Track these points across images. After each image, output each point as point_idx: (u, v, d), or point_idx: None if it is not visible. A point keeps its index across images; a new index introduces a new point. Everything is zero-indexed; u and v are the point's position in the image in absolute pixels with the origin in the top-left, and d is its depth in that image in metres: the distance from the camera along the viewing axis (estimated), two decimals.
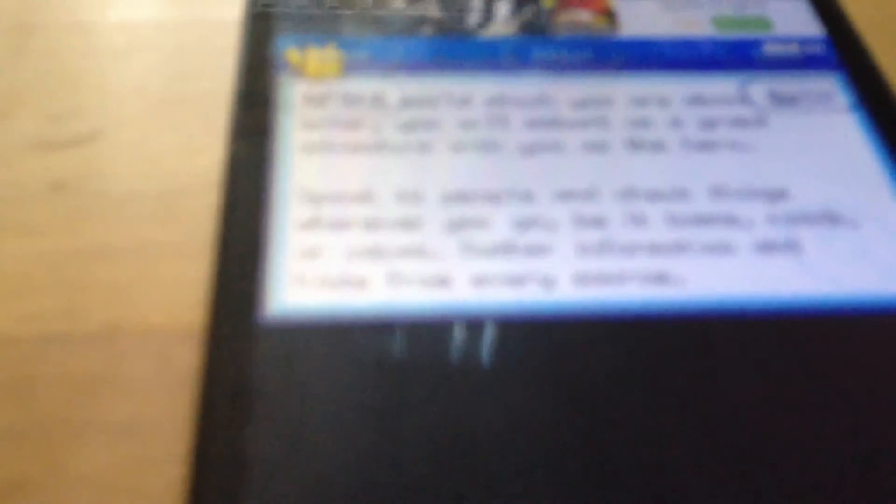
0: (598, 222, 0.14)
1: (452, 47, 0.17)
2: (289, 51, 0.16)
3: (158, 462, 0.12)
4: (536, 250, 0.14)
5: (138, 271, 0.14)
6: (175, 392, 0.13)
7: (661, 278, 0.14)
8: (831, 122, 0.16)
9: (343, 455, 0.11)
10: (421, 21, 0.17)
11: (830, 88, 0.16)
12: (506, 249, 0.14)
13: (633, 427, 0.12)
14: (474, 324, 0.13)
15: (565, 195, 0.15)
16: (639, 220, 0.14)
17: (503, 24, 0.17)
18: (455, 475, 0.11)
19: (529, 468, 0.11)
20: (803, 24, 0.17)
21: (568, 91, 0.16)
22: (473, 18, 0.17)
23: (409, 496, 0.11)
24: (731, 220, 0.14)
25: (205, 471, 0.11)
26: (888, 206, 0.15)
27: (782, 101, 0.16)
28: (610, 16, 0.17)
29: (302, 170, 0.15)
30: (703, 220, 0.14)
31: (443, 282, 0.13)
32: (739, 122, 0.16)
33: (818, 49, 0.17)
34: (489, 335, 0.13)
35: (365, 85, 0.16)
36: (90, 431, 0.13)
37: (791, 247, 0.14)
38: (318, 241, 0.14)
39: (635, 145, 0.15)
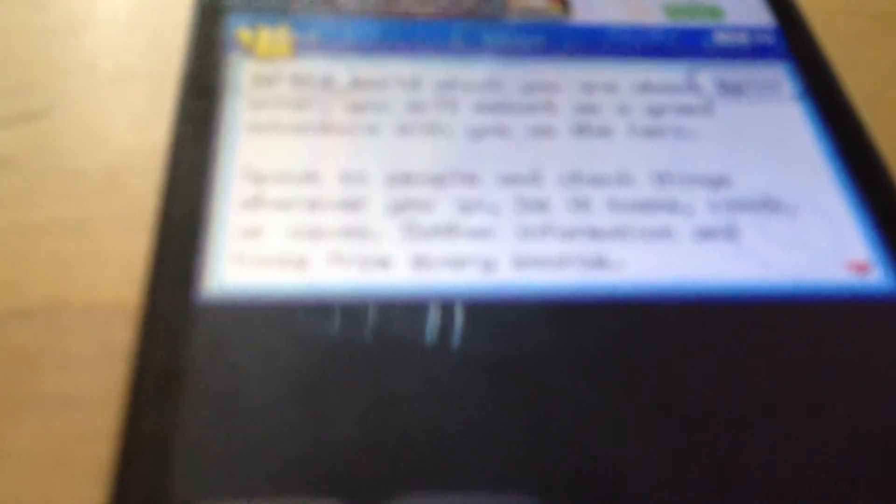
0: (540, 206, 0.14)
1: (404, 30, 0.17)
2: (240, 30, 0.16)
3: (93, 437, 0.12)
4: (478, 233, 0.14)
5: (82, 247, 0.14)
6: (112, 368, 0.13)
7: (600, 262, 0.14)
8: (777, 111, 0.16)
9: (275, 435, 0.11)
10: (375, 3, 0.17)
11: (778, 77, 0.17)
12: (448, 232, 0.14)
13: (570, 409, 0.12)
14: (413, 305, 0.13)
15: (509, 179, 0.15)
16: (581, 205, 0.14)
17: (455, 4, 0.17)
18: (388, 456, 0.11)
19: (465, 451, 0.12)
20: (754, 14, 0.18)
21: (517, 76, 0.16)
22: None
23: (341, 477, 0.11)
24: (672, 207, 0.14)
25: (130, 448, 0.11)
26: (827, 193, 0.15)
27: (730, 89, 0.16)
28: (563, 2, 0.18)
29: (247, 149, 0.15)
30: (644, 206, 0.14)
31: (383, 263, 0.13)
32: (686, 110, 0.16)
33: (768, 38, 0.17)
34: (427, 317, 0.13)
35: (315, 66, 0.16)
36: (26, 406, 0.13)
37: (729, 233, 0.14)
38: (259, 220, 0.14)
39: (582, 131, 0.15)
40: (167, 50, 0.17)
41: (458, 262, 0.14)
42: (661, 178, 0.15)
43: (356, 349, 0.12)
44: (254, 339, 0.12)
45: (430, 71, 0.16)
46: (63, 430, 0.12)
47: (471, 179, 0.15)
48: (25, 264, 0.14)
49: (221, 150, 0.15)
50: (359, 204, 0.14)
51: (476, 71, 0.16)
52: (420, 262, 0.13)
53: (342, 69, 0.16)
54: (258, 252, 0.13)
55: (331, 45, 0.16)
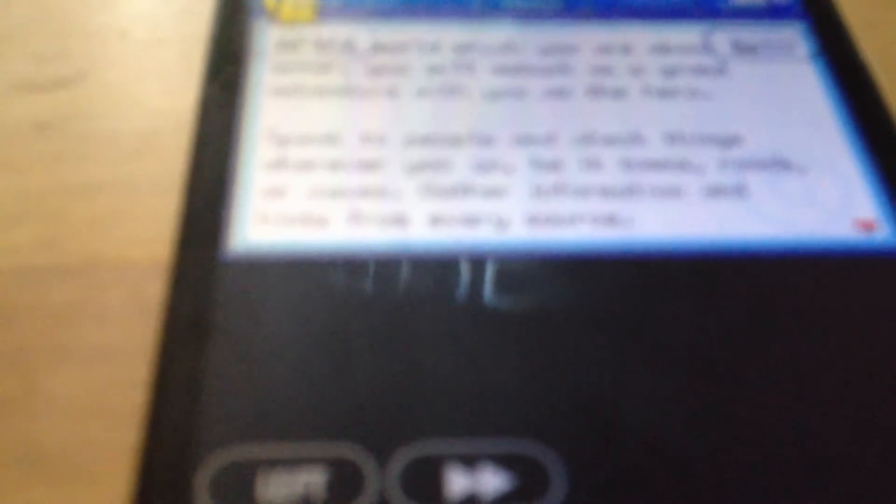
0: (553, 166, 0.15)
1: None
2: None
3: (127, 386, 0.13)
4: (493, 192, 0.14)
5: (115, 207, 0.15)
6: (145, 322, 0.14)
7: (611, 220, 0.14)
8: (791, 71, 0.16)
9: (295, 384, 0.12)
10: None
11: (792, 38, 0.17)
12: (463, 191, 0.14)
13: (581, 362, 0.13)
14: (429, 262, 0.14)
15: (524, 140, 0.15)
16: (594, 165, 0.15)
17: None
18: (404, 405, 0.12)
19: (479, 401, 0.12)
20: None
21: (535, 39, 0.17)
22: None
23: (359, 423, 0.12)
24: (683, 165, 0.15)
25: (161, 395, 0.12)
26: (837, 153, 0.15)
27: (744, 49, 0.17)
28: None
29: (271, 112, 0.15)
30: (655, 165, 0.15)
31: (400, 221, 0.14)
32: (700, 71, 0.16)
33: None
34: (443, 273, 0.13)
35: (337, 30, 0.17)
36: (64, 357, 0.13)
37: (739, 191, 0.15)
38: (282, 181, 0.14)
39: (596, 92, 0.16)
40: (198, 16, 0.18)
41: (472, 220, 0.14)
42: (673, 138, 0.15)
43: (374, 303, 0.13)
44: (276, 294, 0.13)
45: (450, 35, 0.17)
46: (100, 378, 0.13)
47: (487, 140, 0.15)
48: (63, 224, 0.15)
49: (246, 114, 0.15)
50: (378, 164, 0.15)
51: (494, 34, 0.17)
52: (436, 220, 0.14)
53: (364, 33, 0.17)
54: (281, 211, 0.14)
55: (353, 9, 0.17)
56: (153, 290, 0.14)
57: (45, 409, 0.13)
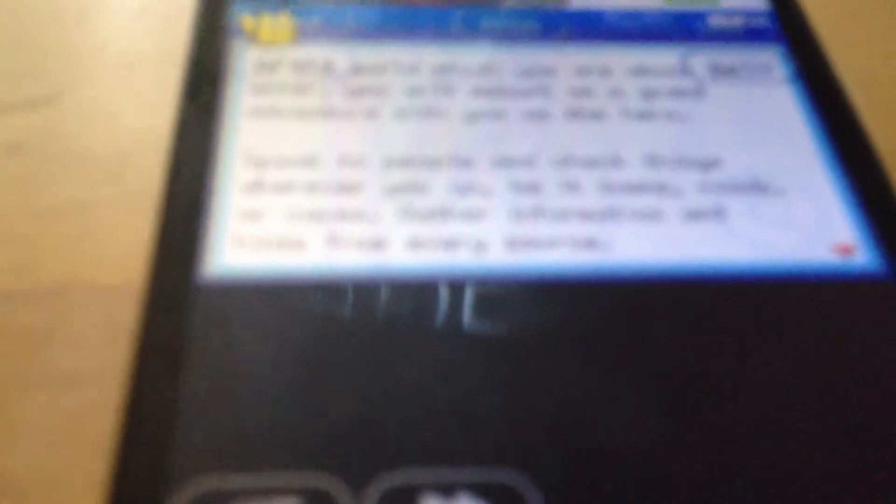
0: (533, 188, 0.15)
1: (403, 15, 0.17)
2: (243, 17, 0.17)
3: (97, 412, 0.13)
4: (471, 215, 0.14)
5: (90, 229, 0.15)
6: (118, 346, 0.13)
7: (590, 243, 0.14)
8: (768, 94, 0.16)
9: (271, 411, 0.12)
10: None
11: (770, 60, 0.17)
12: (442, 213, 0.14)
13: (559, 387, 0.12)
14: (407, 286, 0.13)
15: (504, 162, 0.15)
16: (573, 187, 0.15)
17: None
18: (381, 433, 0.12)
19: (456, 428, 0.12)
20: None
21: (514, 61, 0.17)
22: None
23: (335, 452, 0.12)
24: (662, 188, 0.15)
25: (132, 422, 0.12)
26: (815, 176, 0.15)
27: (722, 72, 0.17)
28: None
29: (248, 134, 0.15)
30: (635, 188, 0.15)
31: (379, 244, 0.14)
32: (679, 93, 0.16)
33: (761, 22, 0.17)
34: (421, 297, 0.13)
35: (316, 51, 0.16)
36: (35, 382, 0.13)
37: (718, 214, 0.15)
38: (259, 203, 0.14)
39: (575, 114, 0.16)
40: (174, 36, 0.18)
41: (451, 243, 0.14)
42: (653, 161, 0.15)
43: (352, 328, 0.13)
44: (252, 319, 0.13)
45: (429, 56, 0.17)
46: (70, 404, 0.13)
47: (466, 163, 0.15)
48: (35, 246, 0.15)
49: (224, 135, 0.15)
50: (356, 187, 0.15)
51: (473, 56, 0.17)
52: (415, 244, 0.14)
53: (342, 55, 0.16)
54: (258, 234, 0.14)
55: (332, 31, 0.17)
56: (126, 314, 0.14)
57: (13, 436, 0.13)
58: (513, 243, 0.14)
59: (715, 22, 0.17)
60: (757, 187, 0.15)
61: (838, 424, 0.12)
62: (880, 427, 0.12)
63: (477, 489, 0.11)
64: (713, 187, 0.15)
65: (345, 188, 0.15)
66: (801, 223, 0.15)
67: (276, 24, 0.17)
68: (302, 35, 0.17)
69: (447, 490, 0.11)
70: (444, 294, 0.13)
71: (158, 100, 0.17)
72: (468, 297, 0.13)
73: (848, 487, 0.12)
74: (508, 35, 0.17)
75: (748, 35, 0.17)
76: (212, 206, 0.14)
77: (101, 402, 0.13)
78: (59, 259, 0.15)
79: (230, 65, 0.16)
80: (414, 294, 0.13)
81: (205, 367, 0.12)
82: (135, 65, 0.18)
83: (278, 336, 0.13)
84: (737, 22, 0.17)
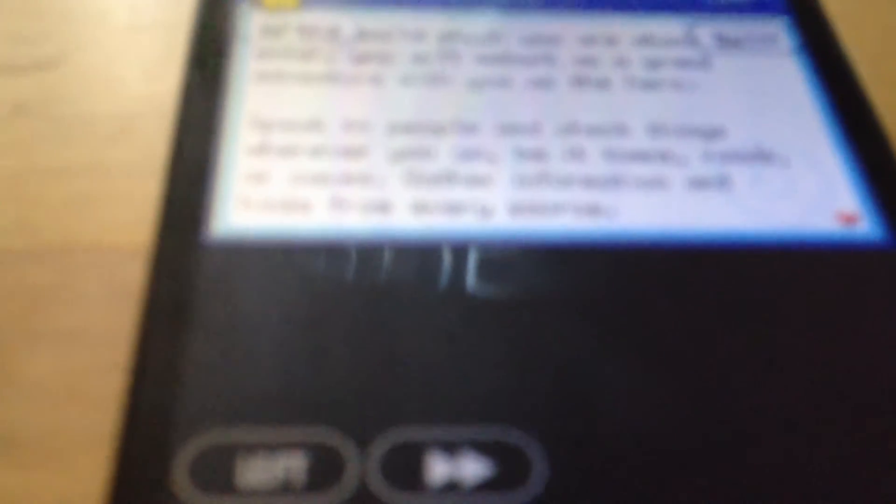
0: (537, 155, 0.15)
1: None
2: None
3: (103, 370, 0.13)
4: (476, 180, 0.14)
5: (94, 190, 0.15)
6: (122, 305, 0.13)
7: (594, 210, 0.14)
8: (774, 65, 0.16)
9: (276, 369, 0.12)
10: None
11: (776, 32, 0.17)
12: (447, 178, 0.14)
13: (562, 350, 0.12)
14: (411, 248, 0.13)
15: (508, 129, 0.15)
16: (577, 154, 0.15)
17: None
18: (386, 391, 0.12)
19: (460, 388, 0.12)
20: None
21: (519, 29, 0.17)
22: None
23: (340, 409, 0.12)
24: (666, 157, 0.15)
25: (140, 380, 0.12)
26: (819, 146, 0.15)
27: (728, 43, 0.17)
28: None
29: (254, 98, 0.15)
30: (639, 156, 0.15)
31: (383, 208, 0.14)
32: (684, 63, 0.16)
33: None
34: (426, 259, 0.13)
35: (321, 17, 0.16)
36: (41, 340, 0.13)
37: (722, 183, 0.15)
38: (265, 166, 0.14)
39: (580, 83, 0.16)
40: (180, 3, 0.18)
41: (456, 208, 0.14)
42: (657, 129, 0.15)
43: (356, 289, 0.13)
44: (258, 278, 0.13)
45: (434, 24, 0.17)
46: (76, 362, 0.13)
47: (471, 129, 0.15)
48: (39, 206, 0.15)
49: (229, 99, 0.15)
50: (361, 151, 0.15)
51: (479, 24, 0.17)
52: (420, 208, 0.14)
53: (348, 21, 0.16)
54: (263, 196, 0.14)
55: None
56: (130, 274, 0.14)
57: (19, 394, 0.13)
58: (517, 208, 0.14)
59: None
60: (761, 157, 0.15)
61: (842, 394, 0.12)
62: (884, 397, 0.12)
63: (481, 447, 0.11)
64: (717, 156, 0.15)
65: (349, 152, 0.15)
66: (804, 192, 0.15)
67: None
68: (307, 1, 0.17)
69: (451, 447, 0.11)
70: (448, 257, 0.13)
71: (164, 65, 0.17)
72: (472, 260, 0.13)
73: (852, 459, 0.12)
74: (514, 4, 0.17)
75: (754, 6, 0.17)
76: (218, 167, 0.14)
77: (107, 360, 0.13)
78: (64, 219, 0.15)
79: (236, 29, 0.16)
80: (418, 257, 0.13)
81: (211, 325, 0.12)
82: (141, 29, 0.18)
83: (283, 296, 0.13)
84: None
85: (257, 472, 0.11)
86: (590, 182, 0.14)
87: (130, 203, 0.15)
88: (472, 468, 0.11)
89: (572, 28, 0.17)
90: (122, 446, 0.11)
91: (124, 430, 0.11)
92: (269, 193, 0.14)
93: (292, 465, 0.11)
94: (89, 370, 0.13)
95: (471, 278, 0.13)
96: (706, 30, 0.17)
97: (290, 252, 0.13)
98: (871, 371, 0.13)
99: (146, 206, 0.15)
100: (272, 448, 0.11)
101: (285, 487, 0.11)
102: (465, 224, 0.14)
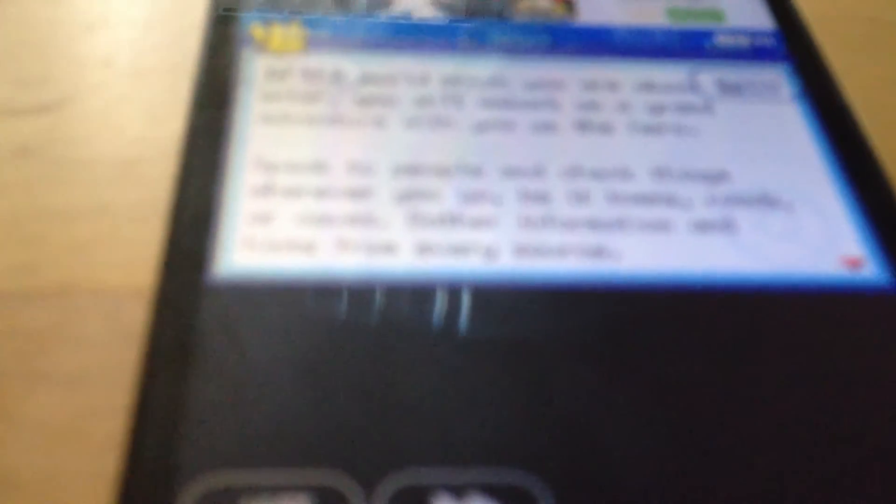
0: (541, 198, 0.15)
1: (413, 28, 0.17)
2: (253, 26, 0.17)
3: (105, 412, 0.13)
4: (481, 222, 0.14)
5: (96, 232, 0.15)
6: (124, 348, 0.13)
7: (598, 252, 0.14)
8: (775, 111, 0.16)
9: (281, 412, 0.12)
10: (385, 3, 0.18)
11: (777, 79, 0.17)
12: (451, 220, 0.14)
13: (567, 392, 0.12)
14: (416, 290, 0.13)
15: (512, 172, 0.15)
16: (581, 197, 0.15)
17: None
18: (392, 433, 0.12)
19: (466, 430, 0.12)
20: (755, 17, 0.18)
21: (522, 73, 0.17)
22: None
23: (346, 451, 0.12)
24: (670, 200, 0.15)
25: (142, 421, 0.11)
26: (823, 191, 0.15)
27: (729, 89, 0.17)
28: (568, 4, 0.18)
29: (259, 140, 0.15)
30: (643, 199, 0.15)
31: (388, 249, 0.14)
32: (686, 108, 0.16)
33: (767, 41, 0.18)
34: (430, 301, 0.13)
35: (326, 61, 0.17)
36: (42, 382, 0.13)
37: (727, 226, 0.15)
38: (269, 207, 0.14)
39: (584, 127, 0.16)
40: (183, 48, 0.18)
41: (461, 250, 0.14)
42: (661, 173, 0.15)
43: (361, 331, 0.13)
44: (262, 320, 0.13)
45: (438, 68, 0.17)
46: (77, 405, 0.13)
47: (475, 172, 0.15)
48: (41, 248, 0.15)
49: (234, 141, 0.15)
50: (366, 193, 0.15)
51: (482, 68, 0.17)
52: (424, 249, 0.14)
53: (352, 64, 0.17)
54: (268, 237, 0.14)
55: (342, 41, 0.17)
56: (132, 316, 0.14)
57: (20, 435, 0.13)
58: (522, 250, 0.14)
59: (722, 40, 0.18)
60: (765, 201, 0.15)
61: (845, 437, 0.12)
62: (888, 440, 0.12)
63: (488, 490, 0.11)
64: (721, 200, 0.15)
65: (354, 194, 0.15)
66: (809, 237, 0.15)
67: (287, 33, 0.17)
68: (312, 45, 0.17)
69: (458, 490, 0.11)
70: (451, 299, 0.13)
71: (167, 109, 0.17)
72: (476, 302, 0.13)
73: (852, 498, 0.12)
74: (516, 49, 0.17)
75: (755, 54, 0.17)
76: (222, 208, 0.14)
77: (108, 402, 0.13)
78: (66, 261, 0.14)
79: (241, 72, 0.16)
80: (421, 298, 0.13)
81: (214, 366, 0.12)
82: (144, 75, 0.18)
83: (287, 337, 0.13)
84: (743, 41, 0.18)
85: None
86: (594, 225, 0.14)
87: (133, 245, 0.15)
88: None
89: (574, 73, 0.17)
90: (123, 489, 0.11)
91: (126, 472, 0.11)
92: (273, 234, 0.14)
93: None
94: (91, 412, 0.13)
95: (476, 320, 0.13)
96: (708, 76, 0.17)
97: (294, 293, 0.13)
98: (876, 415, 0.13)
99: (149, 248, 0.15)
100: (276, 491, 0.11)
101: None
102: (470, 266, 0.14)
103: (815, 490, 0.12)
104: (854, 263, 0.14)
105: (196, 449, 0.11)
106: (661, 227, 0.15)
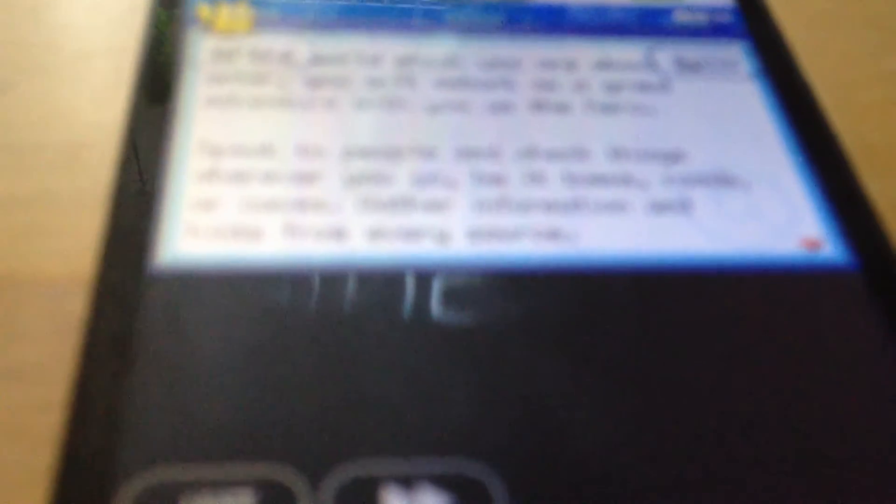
0: (497, 180, 0.14)
1: (365, 8, 0.17)
2: (199, 6, 0.16)
3: (45, 408, 0.12)
4: (434, 206, 0.14)
5: (37, 221, 0.14)
6: (63, 340, 0.13)
7: (554, 235, 0.14)
8: (733, 89, 0.16)
9: (225, 403, 0.11)
10: None
11: (735, 56, 0.17)
12: (404, 204, 0.14)
13: (521, 378, 0.12)
14: (367, 276, 0.13)
15: (467, 153, 0.15)
16: (537, 179, 0.14)
17: None
18: (338, 423, 0.11)
19: (416, 419, 0.12)
20: None
21: (477, 53, 0.16)
22: None
23: (292, 443, 0.11)
24: (626, 180, 0.15)
25: (79, 417, 0.11)
26: (781, 170, 0.15)
27: (687, 67, 0.16)
28: None
29: (204, 123, 0.15)
30: (599, 180, 0.15)
31: (338, 234, 0.13)
32: (643, 87, 0.16)
33: (726, 18, 0.17)
34: (381, 289, 0.13)
35: (274, 41, 0.16)
36: None
37: (683, 206, 0.14)
38: (214, 192, 0.14)
39: (540, 107, 0.16)
40: (128, 29, 0.17)
41: (413, 234, 0.14)
42: (617, 153, 0.15)
43: (308, 320, 0.12)
44: (206, 310, 0.12)
45: (390, 48, 0.16)
46: (15, 400, 0.12)
47: (429, 154, 0.15)
48: None
49: (179, 124, 0.15)
50: (315, 177, 0.14)
51: (436, 48, 0.16)
52: (376, 234, 0.14)
53: (302, 45, 0.16)
54: (212, 223, 0.13)
55: (291, 20, 0.16)
56: (72, 308, 0.13)
57: None
58: (476, 234, 0.14)
59: (680, 17, 0.17)
60: (722, 180, 0.15)
61: (805, 415, 0.12)
62: (847, 418, 0.12)
63: (439, 481, 0.11)
64: (678, 180, 0.15)
65: (303, 178, 0.14)
66: (767, 217, 0.14)
67: (234, 13, 0.16)
68: (260, 25, 0.16)
69: (408, 481, 0.11)
70: (404, 284, 0.13)
71: (113, 93, 0.16)
72: (429, 288, 0.13)
73: (814, 477, 0.11)
74: (472, 28, 0.17)
75: (713, 31, 0.17)
76: (165, 194, 0.14)
77: (47, 397, 0.12)
78: (5, 251, 0.14)
79: (186, 53, 0.16)
80: (373, 284, 0.13)
81: (155, 357, 0.12)
82: (88, 58, 0.17)
83: (232, 326, 0.12)
84: (702, 18, 0.17)
85: None
86: (550, 206, 0.14)
87: (75, 234, 0.14)
88: (431, 503, 0.11)
89: (531, 52, 0.16)
90: (58, 486, 0.10)
91: (62, 468, 0.11)
92: (218, 220, 0.13)
93: (240, 503, 0.11)
94: (28, 407, 0.12)
95: (427, 306, 0.13)
96: (665, 54, 0.17)
97: (240, 281, 0.13)
98: (835, 393, 0.12)
99: (93, 237, 0.14)
100: (219, 486, 0.11)
101: None
102: (423, 251, 0.13)
103: (776, 471, 0.11)
104: (813, 244, 0.14)
105: (135, 444, 0.11)
106: (618, 207, 0.14)
